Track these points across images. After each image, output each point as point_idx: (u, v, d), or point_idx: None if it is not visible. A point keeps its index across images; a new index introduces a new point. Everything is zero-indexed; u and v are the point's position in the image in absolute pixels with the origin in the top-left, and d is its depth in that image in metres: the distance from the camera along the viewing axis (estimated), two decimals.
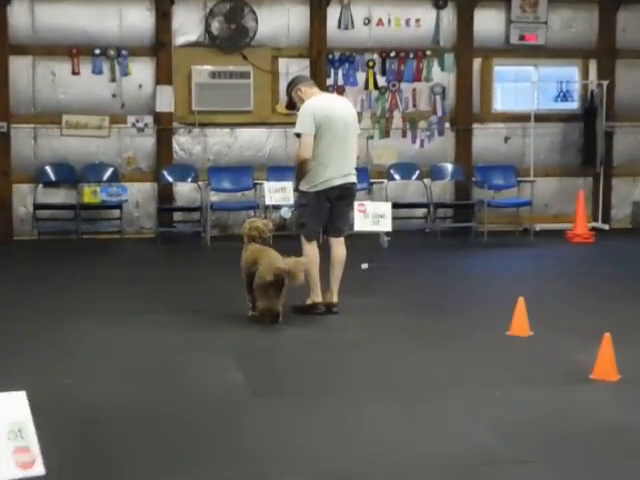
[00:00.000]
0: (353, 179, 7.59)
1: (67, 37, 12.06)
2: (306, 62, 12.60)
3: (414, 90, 12.98)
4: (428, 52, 12.91)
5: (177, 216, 12.61)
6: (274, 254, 7.13)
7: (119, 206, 12.04)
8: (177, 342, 6.67)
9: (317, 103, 7.42)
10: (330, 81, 12.69)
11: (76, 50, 12.06)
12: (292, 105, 7.75)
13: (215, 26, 12.31)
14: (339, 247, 7.57)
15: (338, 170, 7.42)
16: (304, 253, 7.45)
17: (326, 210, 7.47)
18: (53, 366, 6.00)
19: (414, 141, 13.04)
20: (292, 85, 7.70)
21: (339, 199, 7.50)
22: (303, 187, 7.50)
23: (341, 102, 7.84)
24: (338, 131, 7.39)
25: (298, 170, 7.55)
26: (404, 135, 13.02)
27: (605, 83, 13.09)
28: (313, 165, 7.38)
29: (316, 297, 7.51)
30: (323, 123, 7.33)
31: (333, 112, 7.42)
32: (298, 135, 7.42)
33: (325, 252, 7.61)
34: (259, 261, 7.09)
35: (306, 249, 7.47)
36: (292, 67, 12.56)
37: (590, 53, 13.37)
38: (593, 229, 12.67)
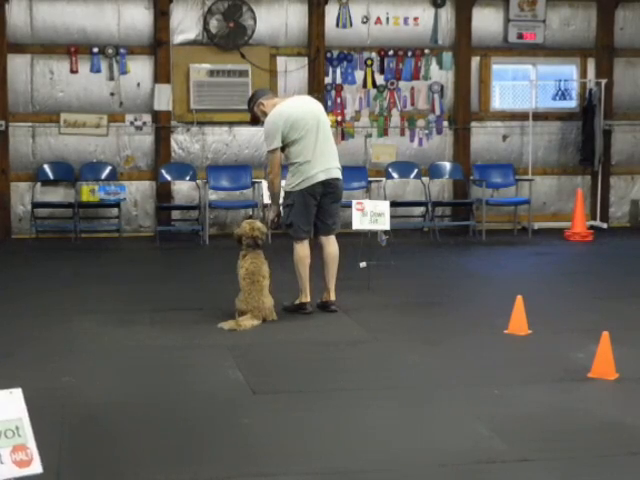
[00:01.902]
0: (337, 174, 7.52)
1: (65, 35, 12.08)
2: (304, 60, 12.61)
3: (412, 89, 12.99)
4: (426, 50, 12.92)
5: (175, 214, 12.62)
6: (258, 303, 7.13)
7: (117, 205, 12.04)
8: (176, 340, 6.68)
9: (279, 112, 7.39)
10: (328, 79, 12.70)
11: (74, 48, 12.06)
12: (255, 119, 7.72)
13: (213, 24, 12.31)
14: (331, 245, 7.57)
15: (319, 165, 7.37)
16: (294, 252, 7.46)
17: (313, 208, 7.45)
18: (51, 364, 5.99)
19: (412, 140, 13.05)
20: (253, 100, 7.66)
21: (324, 195, 7.45)
22: (287, 187, 7.50)
23: (304, 101, 7.78)
24: (310, 128, 7.37)
25: (270, 189, 7.65)
26: (402, 134, 13.03)
27: (603, 81, 13.11)
28: (295, 166, 7.38)
29: (304, 297, 7.52)
30: (292, 126, 7.32)
31: (299, 112, 7.40)
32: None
33: (317, 251, 7.61)
34: (245, 294, 7.15)
35: (296, 248, 7.47)
36: (290, 65, 12.58)
37: (588, 51, 13.38)
38: (591, 227, 12.69)
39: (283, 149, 7.45)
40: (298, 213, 7.42)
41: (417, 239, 12.31)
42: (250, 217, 11.99)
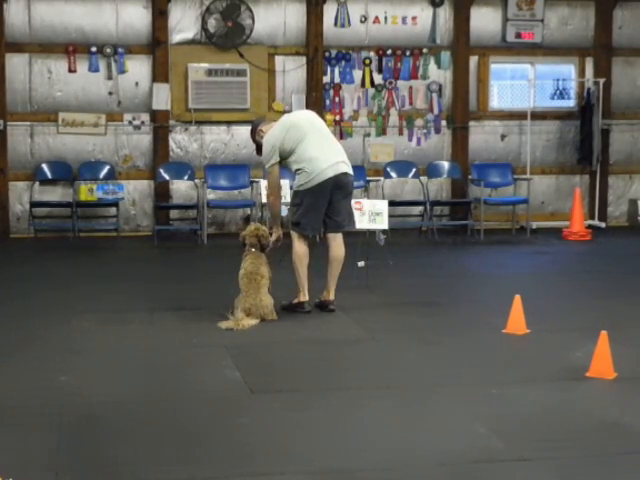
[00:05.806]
0: (345, 168, 7.50)
1: (63, 35, 12.06)
2: (302, 60, 12.61)
3: (411, 88, 12.99)
4: (425, 50, 12.92)
5: (174, 214, 12.61)
6: (256, 301, 7.15)
7: (116, 204, 12.03)
8: (174, 340, 6.68)
9: (272, 132, 7.46)
10: (327, 79, 12.70)
11: (72, 48, 12.05)
12: (261, 148, 7.71)
13: (212, 24, 12.30)
14: (338, 246, 7.54)
15: (324, 162, 7.35)
16: (293, 251, 7.46)
17: (323, 207, 7.43)
18: (50, 364, 5.99)
19: (411, 139, 13.05)
20: (253, 131, 7.75)
21: (334, 191, 7.42)
22: (295, 187, 7.51)
23: (296, 112, 8.07)
24: (305, 131, 7.39)
25: (270, 211, 7.73)
26: (401, 133, 13.02)
27: (601, 81, 13.10)
28: (302, 170, 7.38)
29: (302, 296, 7.52)
30: (289, 133, 7.36)
31: (293, 120, 7.50)
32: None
33: (323, 250, 7.61)
34: (244, 293, 7.15)
35: (295, 247, 7.47)
36: (289, 65, 12.58)
37: (586, 51, 13.38)
38: (589, 227, 12.68)
39: (284, 161, 7.46)
40: (306, 212, 7.41)
41: (415, 238, 12.31)
42: (248, 216, 12.05)
